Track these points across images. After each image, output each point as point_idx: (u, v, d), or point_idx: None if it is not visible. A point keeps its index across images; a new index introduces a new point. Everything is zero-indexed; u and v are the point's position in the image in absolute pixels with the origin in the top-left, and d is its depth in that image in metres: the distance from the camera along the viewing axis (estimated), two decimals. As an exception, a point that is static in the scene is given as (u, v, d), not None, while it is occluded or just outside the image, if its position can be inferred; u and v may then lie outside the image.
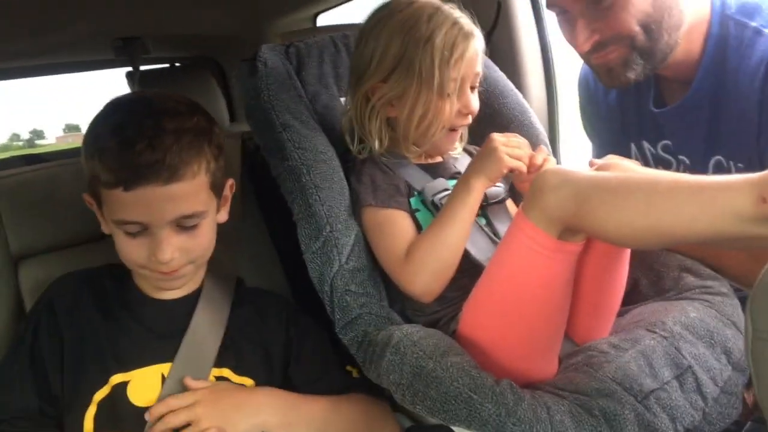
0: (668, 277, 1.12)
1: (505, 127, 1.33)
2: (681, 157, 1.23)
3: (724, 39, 1.13)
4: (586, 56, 1.17)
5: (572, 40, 1.15)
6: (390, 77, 1.12)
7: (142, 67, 2.33)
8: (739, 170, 1.12)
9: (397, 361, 0.94)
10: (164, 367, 1.02)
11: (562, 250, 0.89)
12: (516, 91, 1.40)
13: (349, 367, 1.12)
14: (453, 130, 1.17)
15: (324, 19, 2.41)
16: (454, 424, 0.91)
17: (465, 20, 1.12)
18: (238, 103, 2.56)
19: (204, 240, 1.02)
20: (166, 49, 2.51)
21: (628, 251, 1.04)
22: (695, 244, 1.00)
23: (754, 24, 1.10)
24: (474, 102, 1.15)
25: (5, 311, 1.17)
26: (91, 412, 0.99)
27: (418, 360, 0.93)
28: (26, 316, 1.11)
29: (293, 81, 1.25)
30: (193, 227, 0.99)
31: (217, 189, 1.03)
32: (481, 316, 0.99)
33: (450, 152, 1.25)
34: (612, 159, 1.02)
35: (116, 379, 1.00)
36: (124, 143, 0.92)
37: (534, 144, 1.30)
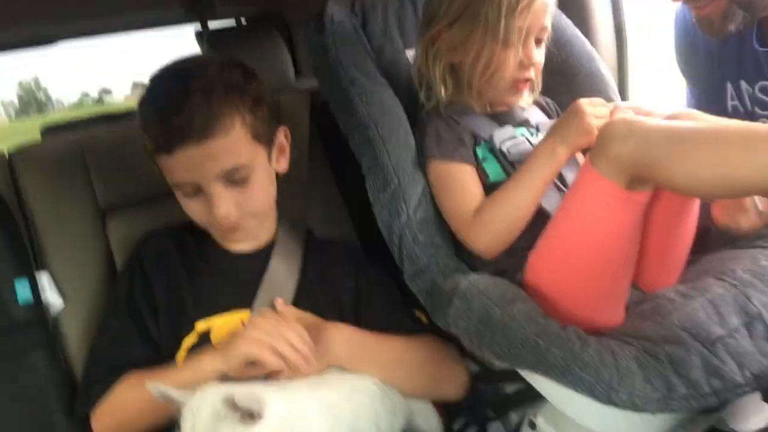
0: (739, 225, 1.11)
1: (572, 77, 1.32)
2: None
3: None
4: (685, 5, 1.15)
5: None
6: (456, 22, 1.13)
7: (211, 25, 2.38)
8: None
9: (465, 308, 0.98)
10: (243, 314, 1.08)
11: (630, 200, 0.90)
12: (584, 39, 1.38)
13: (418, 313, 1.16)
14: (517, 84, 1.16)
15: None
16: (520, 368, 0.94)
17: None
18: (302, 58, 2.59)
19: (258, 192, 1.06)
20: (232, 4, 2.56)
21: (698, 201, 1.03)
22: None
23: None
24: (537, 55, 1.14)
25: (99, 264, 1.24)
26: (181, 357, 1.07)
27: (485, 308, 0.96)
28: (117, 272, 1.19)
29: (359, 36, 1.27)
30: (244, 180, 1.03)
31: (262, 140, 1.06)
32: (548, 265, 1.00)
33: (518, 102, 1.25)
34: (685, 110, 1.01)
35: (201, 326, 1.07)
36: (157, 112, 0.99)
37: (603, 93, 1.30)
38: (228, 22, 2.72)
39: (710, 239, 1.14)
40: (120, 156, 1.28)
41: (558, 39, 1.34)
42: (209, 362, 0.98)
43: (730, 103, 1.27)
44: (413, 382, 1.09)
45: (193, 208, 1.05)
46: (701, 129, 0.84)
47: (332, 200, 1.42)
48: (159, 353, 1.08)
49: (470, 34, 1.12)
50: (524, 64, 1.14)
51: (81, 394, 1.07)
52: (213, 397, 0.87)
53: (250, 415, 0.86)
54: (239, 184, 1.03)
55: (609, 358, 0.87)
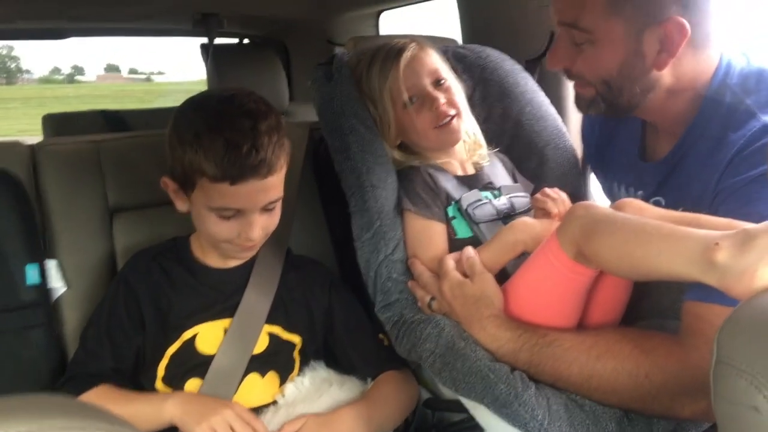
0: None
1: (542, 149, 1.49)
2: None
3: (717, 105, 1.17)
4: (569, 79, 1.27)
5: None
6: (375, 103, 1.34)
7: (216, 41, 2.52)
8: None
9: (435, 333, 1.14)
10: (225, 322, 1.21)
11: (574, 269, 1.05)
12: (556, 116, 1.54)
13: (381, 336, 1.30)
14: (440, 126, 1.30)
15: (386, 17, 2.56)
16: (469, 397, 1.09)
17: (391, 46, 1.32)
18: (296, 84, 2.74)
19: (277, 218, 1.21)
20: (239, 26, 2.69)
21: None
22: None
23: (748, 101, 1.15)
24: (442, 95, 1.30)
25: (102, 260, 1.36)
26: (163, 363, 1.20)
27: (453, 337, 1.12)
28: (116, 270, 1.31)
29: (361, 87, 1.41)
30: (274, 208, 1.19)
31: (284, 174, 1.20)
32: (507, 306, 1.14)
33: (480, 162, 1.40)
34: (630, 200, 1.16)
35: (187, 335, 1.20)
36: (230, 144, 1.09)
37: (567, 164, 1.47)
38: (231, 40, 2.86)
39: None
40: (132, 162, 1.40)
41: (534, 113, 1.50)
42: (170, 410, 1.12)
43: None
44: (388, 424, 1.24)
45: (224, 229, 1.16)
46: (631, 221, 0.99)
47: (317, 226, 1.54)
48: (129, 365, 1.20)
49: (382, 111, 1.31)
50: (433, 112, 1.29)
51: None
52: None
53: None
54: (269, 212, 1.18)
55: (543, 401, 1.03)
